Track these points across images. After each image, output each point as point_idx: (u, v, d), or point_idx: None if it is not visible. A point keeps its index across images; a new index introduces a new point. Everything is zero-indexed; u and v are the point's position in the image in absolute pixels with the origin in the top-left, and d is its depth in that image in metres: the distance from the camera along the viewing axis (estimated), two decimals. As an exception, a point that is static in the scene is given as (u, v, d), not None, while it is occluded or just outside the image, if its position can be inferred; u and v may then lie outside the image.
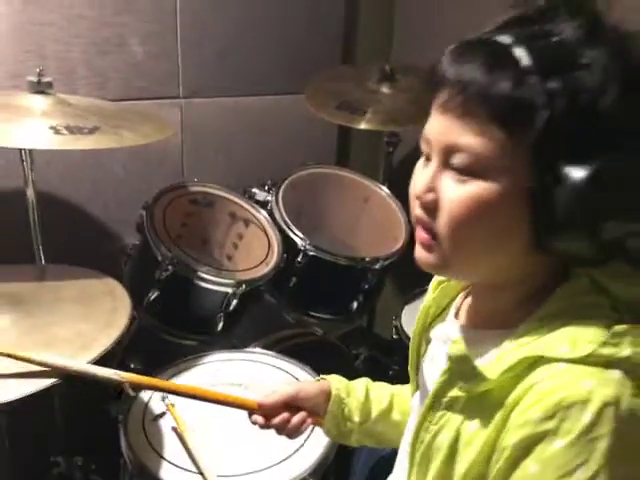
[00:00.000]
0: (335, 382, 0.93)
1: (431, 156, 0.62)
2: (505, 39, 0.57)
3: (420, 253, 0.65)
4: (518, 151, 0.56)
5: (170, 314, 1.38)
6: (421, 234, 0.64)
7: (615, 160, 0.54)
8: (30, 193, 1.20)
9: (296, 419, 0.87)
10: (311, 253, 1.48)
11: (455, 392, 0.65)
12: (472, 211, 0.58)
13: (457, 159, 0.59)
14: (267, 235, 1.49)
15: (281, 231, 1.50)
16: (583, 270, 0.62)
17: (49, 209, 1.40)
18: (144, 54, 1.69)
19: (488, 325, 0.68)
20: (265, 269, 1.42)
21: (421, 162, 0.65)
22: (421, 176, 0.63)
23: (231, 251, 1.59)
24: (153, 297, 1.33)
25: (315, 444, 1.10)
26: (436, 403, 0.68)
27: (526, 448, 0.56)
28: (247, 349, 1.39)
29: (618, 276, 0.61)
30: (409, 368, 0.87)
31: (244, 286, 1.33)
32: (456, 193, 0.59)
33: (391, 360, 1.78)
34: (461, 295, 0.78)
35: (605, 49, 0.55)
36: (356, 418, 0.91)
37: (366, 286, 1.58)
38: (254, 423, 0.89)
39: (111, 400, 1.42)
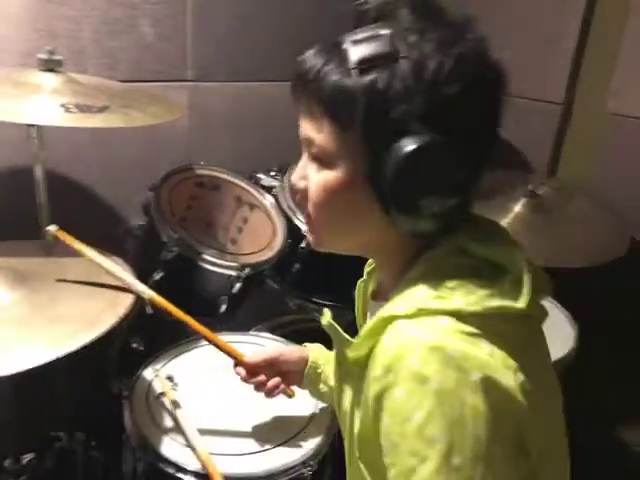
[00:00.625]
0: (314, 350, 1.05)
1: (303, 149, 0.71)
2: (344, 38, 0.64)
3: (307, 233, 0.74)
4: (351, 141, 0.63)
5: (174, 295, 1.38)
6: (304, 215, 0.73)
7: (427, 142, 0.59)
8: (38, 171, 1.20)
9: (271, 383, 1.02)
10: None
11: (339, 362, 0.74)
12: (325, 195, 0.66)
13: (313, 151, 0.67)
14: (272, 220, 1.50)
15: (286, 217, 1.51)
16: (448, 240, 0.67)
17: (56, 188, 1.41)
18: (154, 36, 1.70)
19: (379, 297, 0.77)
20: (269, 254, 1.43)
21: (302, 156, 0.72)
22: (298, 167, 0.72)
23: (235, 235, 1.60)
24: (157, 277, 1.34)
25: (314, 430, 1.11)
26: (337, 377, 0.78)
27: (378, 402, 0.62)
28: (249, 332, 1.40)
29: (477, 239, 0.66)
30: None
31: (248, 269, 1.35)
32: (313, 180, 0.68)
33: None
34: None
35: (423, 35, 0.60)
36: (331, 382, 1.00)
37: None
38: (237, 374, 1.05)
39: (114, 377, 1.44)
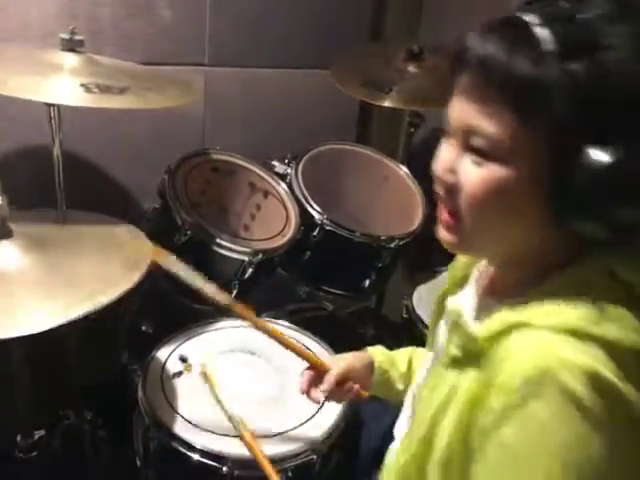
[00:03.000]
0: (378, 355, 1.01)
1: (452, 137, 0.63)
2: (529, 18, 0.56)
3: (442, 233, 0.67)
4: (535, 136, 0.56)
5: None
6: (443, 215, 0.66)
7: (636, 145, 0.53)
8: (56, 150, 1.21)
9: (346, 387, 0.96)
10: (328, 228, 1.49)
11: (453, 350, 0.67)
12: (488, 193, 0.60)
13: (475, 142, 0.60)
14: (285, 207, 1.50)
15: (299, 204, 1.51)
16: (599, 256, 0.62)
17: (72, 168, 1.42)
18: (172, 18, 1.69)
19: (501, 295, 0.69)
20: (281, 241, 1.44)
21: (444, 143, 0.66)
22: (443, 157, 0.64)
23: (248, 221, 1.61)
24: (170, 260, 1.35)
25: (327, 415, 1.12)
26: (441, 360, 0.71)
27: (505, 412, 0.57)
28: (266, 318, 1.40)
29: (635, 266, 0.60)
30: (429, 332, 0.90)
31: (260, 255, 1.35)
32: (474, 175, 0.60)
33: (395, 341, 1.80)
34: (481, 265, 0.79)
35: (631, 28, 0.54)
36: (399, 386, 1.00)
37: (379, 264, 1.59)
38: (303, 391, 0.98)
39: (121, 358, 1.46)
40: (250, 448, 0.97)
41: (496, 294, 0.72)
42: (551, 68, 0.53)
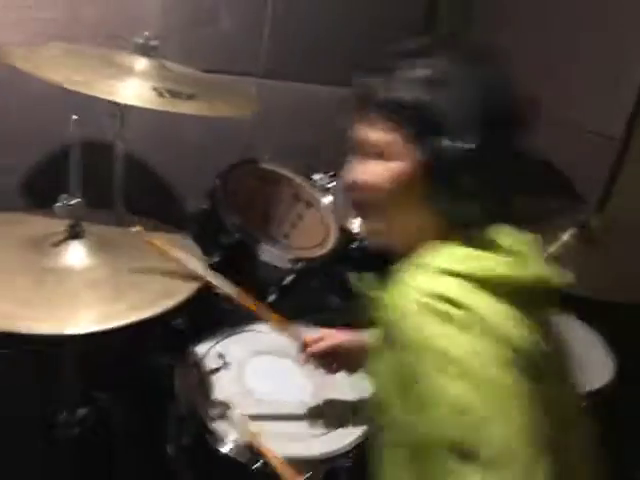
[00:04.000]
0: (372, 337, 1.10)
1: (356, 151, 0.84)
2: (397, 64, 0.79)
3: (362, 226, 0.87)
4: (405, 139, 0.77)
5: (227, 280, 1.44)
6: (356, 210, 0.87)
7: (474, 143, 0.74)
8: (119, 148, 1.27)
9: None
10: (366, 242, 1.53)
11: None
12: (388, 179, 0.79)
13: (373, 150, 0.80)
14: (327, 220, 1.55)
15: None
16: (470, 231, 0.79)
17: (127, 166, 1.48)
18: (231, 28, 1.76)
19: None
20: (321, 251, 1.48)
21: (353, 159, 0.85)
22: (351, 167, 0.84)
23: (288, 230, 1.66)
24: (213, 261, 1.40)
25: (357, 422, 1.15)
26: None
27: (395, 342, 0.73)
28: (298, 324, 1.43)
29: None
30: None
31: (302, 263, 1.40)
32: (371, 171, 0.81)
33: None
34: None
35: (462, 71, 0.77)
36: None
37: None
38: (299, 361, 1.16)
39: (161, 351, 1.51)
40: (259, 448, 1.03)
41: None
42: (416, 92, 0.76)
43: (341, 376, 1.19)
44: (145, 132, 1.67)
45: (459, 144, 0.75)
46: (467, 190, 0.77)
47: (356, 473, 1.11)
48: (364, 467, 1.12)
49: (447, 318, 0.70)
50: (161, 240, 1.05)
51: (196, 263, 1.09)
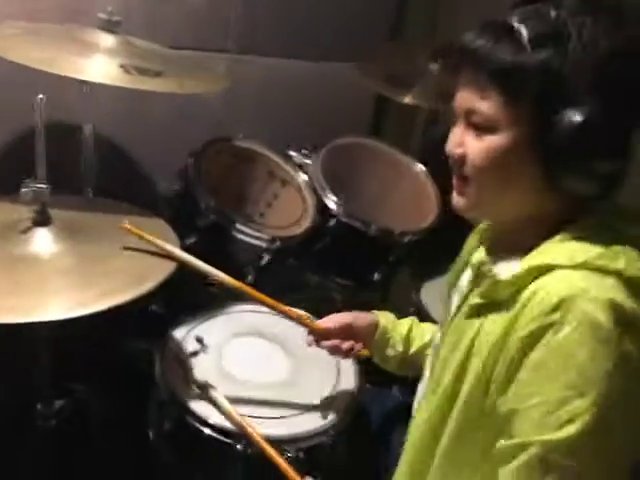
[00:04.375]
0: (383, 316, 1.13)
1: (458, 120, 0.78)
2: (511, 18, 0.70)
3: (455, 199, 0.81)
4: (519, 108, 0.70)
5: (203, 261, 1.42)
6: (455, 181, 0.80)
7: (595, 112, 0.66)
8: (88, 129, 1.23)
9: (346, 345, 1.09)
10: (343, 219, 1.52)
11: (475, 299, 0.79)
12: (488, 159, 0.73)
13: (473, 119, 0.74)
14: (303, 197, 1.53)
15: (316, 195, 1.54)
16: (598, 215, 0.73)
17: (96, 147, 1.44)
18: (199, 4, 1.71)
19: (506, 251, 0.81)
20: (298, 230, 1.47)
21: (455, 126, 0.79)
22: (452, 136, 0.79)
23: (264, 209, 1.63)
24: (189, 243, 1.38)
25: (336, 402, 1.15)
26: (458, 314, 0.83)
27: (534, 338, 0.67)
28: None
29: (622, 217, 0.74)
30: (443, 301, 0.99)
31: (278, 242, 1.38)
32: (476, 146, 0.74)
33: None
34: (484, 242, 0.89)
35: (588, 20, 0.67)
36: (399, 347, 1.10)
37: (391, 258, 1.62)
38: (309, 343, 1.11)
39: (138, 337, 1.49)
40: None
41: (506, 250, 0.81)
42: (526, 56, 0.68)
43: (317, 352, 1.17)
44: (112, 112, 1.62)
45: (580, 116, 0.66)
46: (589, 168, 0.68)
47: (337, 450, 1.12)
48: (345, 444, 1.14)
49: (608, 343, 0.64)
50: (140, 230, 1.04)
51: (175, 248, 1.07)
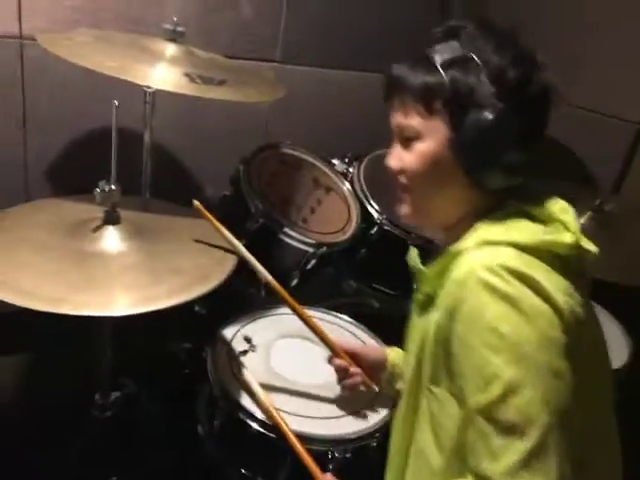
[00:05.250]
0: (392, 352, 1.18)
1: (393, 138, 0.89)
2: (425, 50, 0.83)
3: (399, 209, 0.91)
4: (437, 115, 0.82)
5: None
6: (399, 192, 0.90)
7: (500, 109, 0.78)
8: (147, 135, 1.28)
9: (350, 381, 1.15)
10: (385, 227, 1.55)
11: (418, 296, 0.90)
12: (421, 163, 0.84)
13: (405, 134, 0.86)
14: (347, 205, 1.57)
15: (360, 203, 1.58)
16: (512, 203, 0.83)
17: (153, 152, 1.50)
18: (250, 15, 1.77)
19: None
20: (343, 236, 1.50)
21: (393, 146, 0.90)
22: (390, 153, 0.89)
23: (307, 215, 1.66)
24: (241, 245, 1.42)
25: (380, 404, 1.18)
26: (413, 314, 0.93)
27: (451, 316, 0.77)
28: (315, 308, 1.46)
29: (531, 201, 0.83)
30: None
31: (325, 248, 1.42)
32: (410, 155, 0.86)
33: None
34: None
35: (485, 41, 0.80)
36: None
37: (430, 267, 1.65)
38: (333, 364, 1.17)
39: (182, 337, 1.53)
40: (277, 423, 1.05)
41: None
42: (438, 75, 0.80)
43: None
44: (169, 120, 1.68)
45: (486, 115, 0.78)
46: (501, 160, 0.80)
47: (382, 452, 1.14)
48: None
49: (507, 299, 0.73)
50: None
51: (239, 244, 1.13)
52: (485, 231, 0.81)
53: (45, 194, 1.61)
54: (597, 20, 1.81)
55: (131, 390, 1.54)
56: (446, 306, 0.79)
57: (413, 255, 0.95)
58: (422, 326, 0.87)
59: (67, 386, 1.33)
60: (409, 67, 0.84)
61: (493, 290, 0.73)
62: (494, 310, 0.73)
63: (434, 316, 0.83)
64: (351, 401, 1.18)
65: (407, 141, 0.86)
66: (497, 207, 0.84)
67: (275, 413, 1.06)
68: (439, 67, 0.80)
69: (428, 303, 0.86)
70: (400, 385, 1.11)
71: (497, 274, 0.74)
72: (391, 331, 1.93)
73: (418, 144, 0.84)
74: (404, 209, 0.91)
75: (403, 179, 0.88)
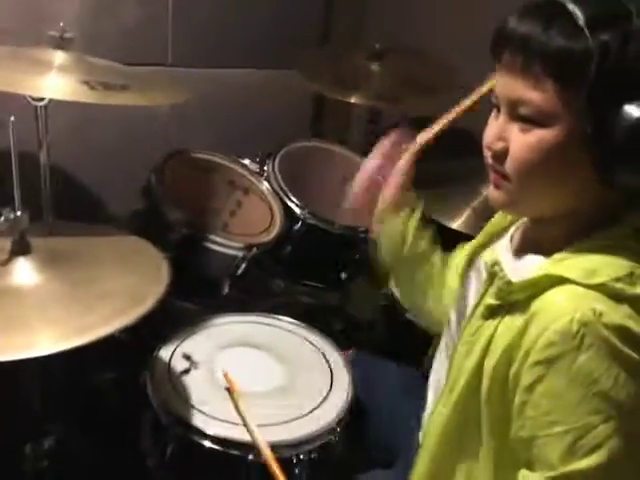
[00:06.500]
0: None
1: (500, 109, 0.72)
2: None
3: (492, 193, 0.76)
4: (573, 99, 0.64)
5: (178, 277, 1.38)
6: (492, 175, 0.74)
7: None
8: (44, 154, 1.17)
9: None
10: (309, 221, 1.53)
11: (489, 299, 0.75)
12: (536, 156, 0.68)
13: (522, 111, 0.68)
14: (268, 203, 1.53)
15: (279, 199, 1.55)
16: (630, 221, 0.71)
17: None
18: (134, 19, 1.68)
19: (534, 250, 0.78)
20: (267, 236, 1.47)
21: (493, 115, 0.74)
22: (491, 127, 0.73)
23: (227, 218, 1.61)
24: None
25: (335, 397, 1.16)
26: (475, 313, 0.79)
27: (550, 364, 0.65)
28: (253, 312, 1.41)
29: None
30: (451, 281, 1.01)
31: (255, 249, 1.37)
32: (521, 140, 0.69)
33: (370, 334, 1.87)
34: (519, 223, 0.86)
35: None
36: (422, 245, 1.04)
37: (357, 256, 1.65)
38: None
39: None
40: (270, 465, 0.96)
41: (534, 249, 0.78)
42: (584, 40, 0.62)
43: (311, 354, 1.23)
44: (62, 134, 1.55)
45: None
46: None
47: (344, 445, 1.13)
48: (350, 439, 1.15)
49: (630, 367, 0.63)
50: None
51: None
52: (603, 266, 0.66)
53: None
54: None
55: (62, 435, 1.42)
56: (545, 354, 0.65)
57: (491, 258, 0.79)
58: (489, 333, 0.74)
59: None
60: (542, 23, 0.63)
61: (617, 354, 0.63)
62: (614, 377, 0.63)
63: (507, 331, 0.71)
64: (306, 400, 1.15)
65: (522, 120, 0.68)
66: (609, 221, 0.70)
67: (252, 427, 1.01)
68: (585, 26, 0.61)
69: (501, 311, 0.74)
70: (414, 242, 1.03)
71: (620, 338, 0.63)
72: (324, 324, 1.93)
73: (539, 130, 0.66)
74: (498, 196, 0.74)
75: (501, 164, 0.71)
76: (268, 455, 0.96)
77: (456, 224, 1.61)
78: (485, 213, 0.99)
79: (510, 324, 0.71)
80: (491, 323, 0.75)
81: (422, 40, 1.84)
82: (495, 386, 0.73)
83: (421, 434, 0.97)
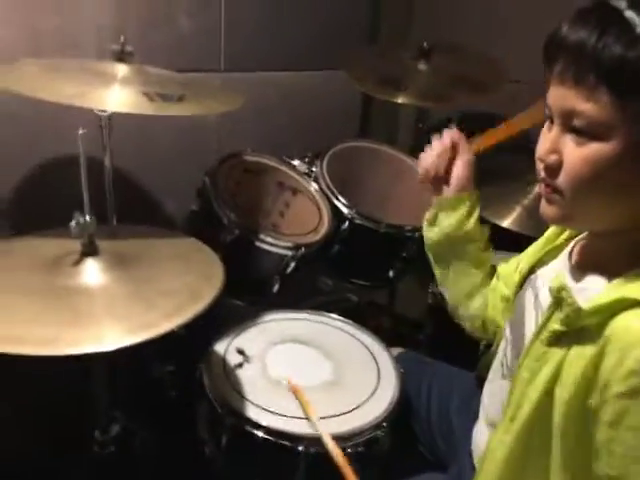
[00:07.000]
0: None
1: (553, 120, 0.70)
2: (618, 3, 0.62)
3: (544, 207, 0.74)
4: (631, 111, 0.61)
5: (230, 275, 1.45)
6: (546, 191, 0.72)
7: None
8: (107, 160, 1.25)
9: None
10: (357, 221, 1.57)
11: (555, 325, 0.71)
12: (591, 170, 0.65)
13: (576, 123, 0.66)
14: (317, 204, 1.57)
15: (328, 200, 1.59)
16: None
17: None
18: (189, 28, 1.75)
19: (595, 268, 0.74)
20: (317, 235, 1.51)
21: (546, 126, 0.72)
22: (545, 139, 0.71)
23: (276, 219, 1.67)
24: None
25: (382, 393, 1.20)
26: (539, 338, 0.75)
27: (634, 394, 0.62)
28: (302, 310, 1.46)
29: None
30: (507, 292, 0.98)
31: (303, 249, 1.42)
32: (576, 154, 0.66)
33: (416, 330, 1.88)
34: (578, 238, 0.83)
35: None
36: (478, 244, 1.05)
37: (404, 254, 1.68)
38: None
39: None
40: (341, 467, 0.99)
41: (595, 267, 0.75)
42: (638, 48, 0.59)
43: (359, 351, 1.27)
44: (121, 142, 1.64)
45: None
46: None
47: (391, 440, 1.16)
48: (397, 433, 1.18)
49: None
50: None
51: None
52: None
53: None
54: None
55: (127, 423, 1.50)
56: (623, 379, 0.62)
57: (558, 282, 0.72)
58: (557, 360, 0.70)
59: (61, 425, 1.27)
60: (597, 31, 0.60)
61: None
62: None
63: (579, 360, 0.68)
64: (354, 395, 1.18)
65: (576, 132, 0.66)
66: None
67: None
68: None
69: (567, 337, 0.70)
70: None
71: None
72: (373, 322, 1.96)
73: (594, 144, 0.64)
74: (551, 212, 0.72)
75: (555, 177, 0.68)
76: (337, 452, 1.01)
77: (506, 222, 1.61)
78: (536, 211, 0.99)
79: (581, 352, 0.67)
80: (558, 350, 0.71)
81: (470, 37, 1.84)
82: (570, 421, 0.69)
83: (474, 454, 0.95)
